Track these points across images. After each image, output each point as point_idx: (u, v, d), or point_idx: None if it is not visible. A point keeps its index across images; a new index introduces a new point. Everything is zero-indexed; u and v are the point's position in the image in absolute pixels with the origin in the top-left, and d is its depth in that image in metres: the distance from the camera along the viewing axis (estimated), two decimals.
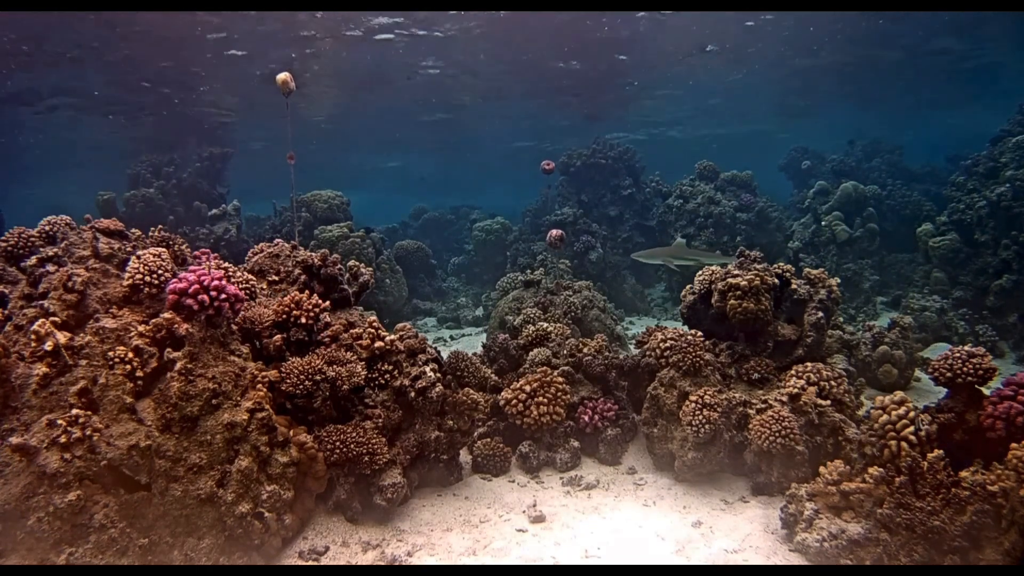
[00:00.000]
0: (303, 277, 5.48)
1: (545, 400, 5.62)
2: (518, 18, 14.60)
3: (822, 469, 4.37)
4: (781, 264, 6.06)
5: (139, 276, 4.06)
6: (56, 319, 3.77)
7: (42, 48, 14.07)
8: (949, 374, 4.43)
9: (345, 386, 4.69)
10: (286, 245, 5.72)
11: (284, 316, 4.84)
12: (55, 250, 4.24)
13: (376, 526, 4.58)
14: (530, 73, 19.17)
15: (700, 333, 5.68)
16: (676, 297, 12.58)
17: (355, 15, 14.14)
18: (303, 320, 4.83)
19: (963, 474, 3.79)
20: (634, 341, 7.79)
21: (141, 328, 3.88)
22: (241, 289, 4.40)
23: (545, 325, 6.93)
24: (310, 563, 4.11)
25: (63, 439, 3.32)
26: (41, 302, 3.92)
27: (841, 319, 8.81)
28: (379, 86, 19.67)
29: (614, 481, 5.44)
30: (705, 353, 5.50)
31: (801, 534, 4.15)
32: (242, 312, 4.78)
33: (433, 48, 16.76)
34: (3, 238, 4.45)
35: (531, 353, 6.46)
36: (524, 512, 4.82)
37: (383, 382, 4.97)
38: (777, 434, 4.82)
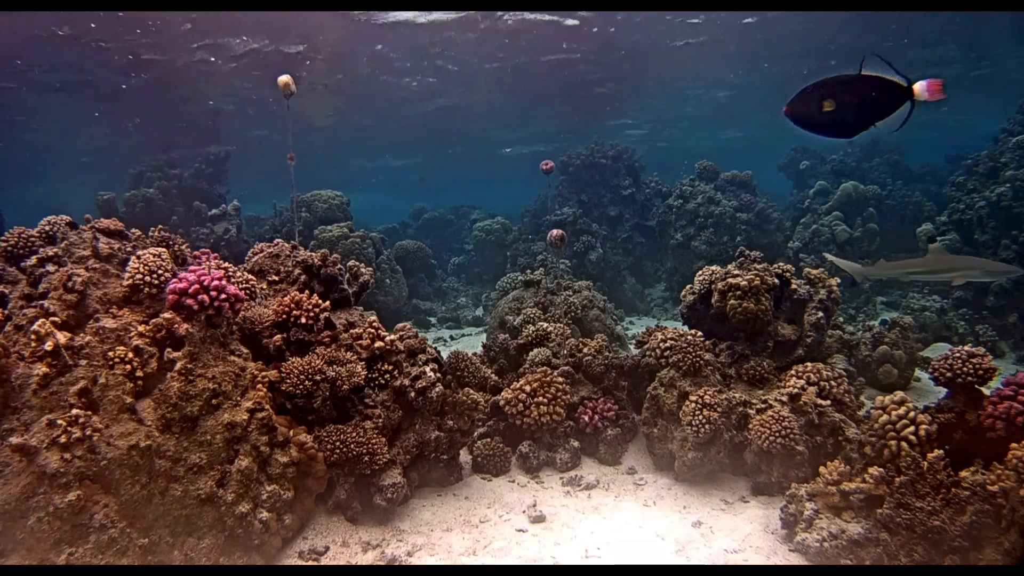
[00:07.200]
0: (303, 277, 5.48)
1: (545, 400, 5.62)
2: (519, 19, 14.59)
3: (822, 469, 4.37)
4: (781, 264, 6.06)
5: (139, 276, 4.06)
6: (56, 319, 3.77)
7: (42, 48, 14.07)
8: (949, 374, 4.42)
9: (345, 386, 4.69)
10: (286, 245, 5.72)
11: (284, 316, 4.84)
12: (55, 250, 4.24)
13: (376, 526, 4.58)
14: (531, 74, 19.15)
15: (700, 333, 5.68)
16: (676, 297, 12.59)
17: (357, 26, 14.13)
18: (303, 320, 4.84)
19: (963, 474, 3.78)
20: (634, 341, 7.79)
21: (141, 328, 3.88)
22: (241, 289, 4.40)
23: (545, 325, 6.93)
24: (310, 563, 4.12)
25: (63, 439, 3.32)
26: (41, 302, 3.91)
27: (841, 319, 8.82)
28: (379, 87, 19.67)
29: (614, 481, 5.44)
30: (705, 353, 5.50)
31: (801, 534, 4.15)
32: (242, 312, 4.78)
33: (435, 51, 16.76)
34: (3, 238, 4.43)
35: (531, 353, 6.46)
36: (524, 512, 4.82)
37: (383, 382, 4.97)
38: (777, 434, 4.83)
